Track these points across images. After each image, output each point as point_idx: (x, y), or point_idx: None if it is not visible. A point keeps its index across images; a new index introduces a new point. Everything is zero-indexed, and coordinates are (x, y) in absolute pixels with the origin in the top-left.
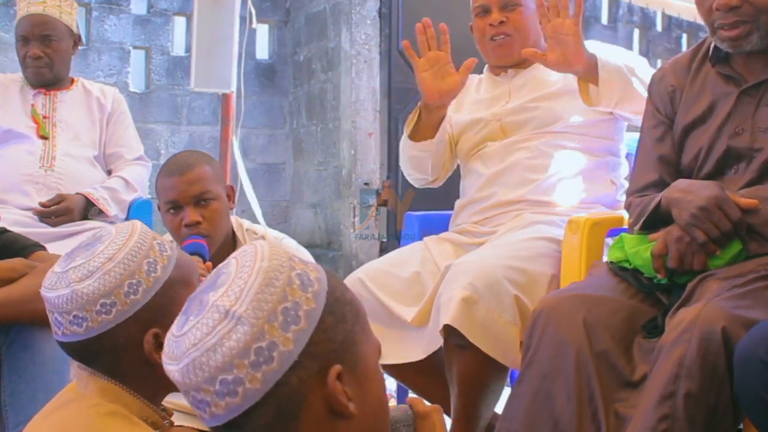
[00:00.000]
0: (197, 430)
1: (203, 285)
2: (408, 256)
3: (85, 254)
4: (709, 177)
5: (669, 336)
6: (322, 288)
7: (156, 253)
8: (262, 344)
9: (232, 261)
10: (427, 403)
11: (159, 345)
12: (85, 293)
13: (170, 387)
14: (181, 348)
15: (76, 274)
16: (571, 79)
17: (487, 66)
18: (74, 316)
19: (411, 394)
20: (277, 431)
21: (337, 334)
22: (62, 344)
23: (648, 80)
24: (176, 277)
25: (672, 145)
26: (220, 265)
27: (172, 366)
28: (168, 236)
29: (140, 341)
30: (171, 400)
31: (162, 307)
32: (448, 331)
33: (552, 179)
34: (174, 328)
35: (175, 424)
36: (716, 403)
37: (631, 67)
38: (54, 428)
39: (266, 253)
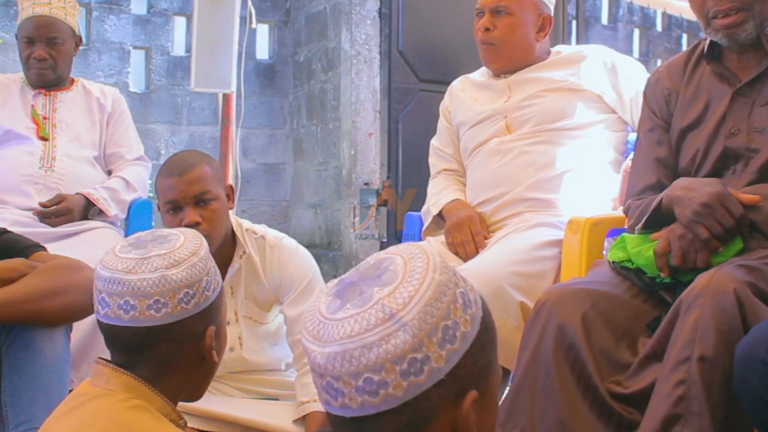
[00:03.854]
0: (197, 430)
1: (362, 273)
2: None
3: (164, 246)
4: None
5: (686, 295)
6: (478, 312)
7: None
8: (417, 356)
9: (398, 259)
10: None
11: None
12: (174, 279)
13: (204, 383)
14: (333, 334)
15: (164, 261)
16: (573, 78)
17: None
18: (155, 301)
19: None
20: None
21: (480, 360)
22: (120, 329)
23: None
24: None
25: (669, 148)
26: (381, 257)
27: (315, 346)
28: None
29: (199, 336)
30: None
31: (218, 310)
32: None
33: (557, 175)
34: (323, 309)
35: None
36: (731, 368)
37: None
38: (79, 422)
39: (438, 264)
